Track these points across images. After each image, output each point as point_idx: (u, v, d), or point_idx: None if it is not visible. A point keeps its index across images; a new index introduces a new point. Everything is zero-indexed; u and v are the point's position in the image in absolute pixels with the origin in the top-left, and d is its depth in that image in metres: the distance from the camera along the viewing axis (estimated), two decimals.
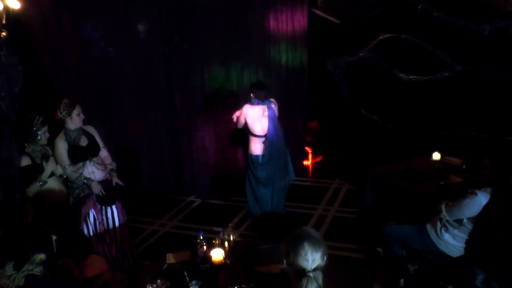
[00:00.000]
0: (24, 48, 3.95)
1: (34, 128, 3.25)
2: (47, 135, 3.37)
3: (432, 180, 3.75)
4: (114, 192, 3.63)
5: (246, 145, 4.49)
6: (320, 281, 1.87)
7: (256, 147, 4.28)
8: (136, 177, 5.48)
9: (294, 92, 5.89)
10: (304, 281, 1.83)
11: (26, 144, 3.28)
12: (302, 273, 1.85)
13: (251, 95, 4.16)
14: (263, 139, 4.23)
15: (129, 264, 3.74)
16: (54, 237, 2.36)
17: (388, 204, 3.95)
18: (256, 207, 4.47)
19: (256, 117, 4.16)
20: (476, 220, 2.86)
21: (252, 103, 4.15)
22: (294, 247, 1.87)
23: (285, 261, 1.95)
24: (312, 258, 1.85)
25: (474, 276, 1.76)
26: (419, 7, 4.49)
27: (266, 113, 4.14)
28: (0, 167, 3.01)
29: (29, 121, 3.24)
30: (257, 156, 4.30)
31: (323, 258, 1.89)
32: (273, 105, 4.18)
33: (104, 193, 3.50)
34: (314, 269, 1.85)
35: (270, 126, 4.15)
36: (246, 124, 4.24)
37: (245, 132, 4.40)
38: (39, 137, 3.30)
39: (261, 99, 4.12)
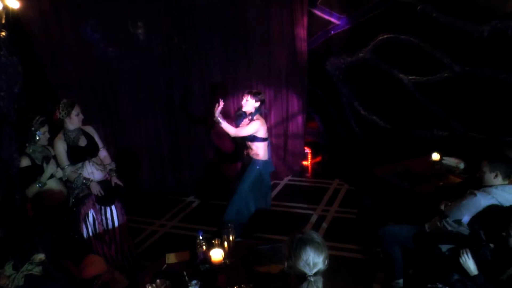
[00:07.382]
0: (23, 48, 3.94)
1: (33, 128, 3.25)
2: (47, 135, 3.37)
3: (431, 181, 3.75)
4: (113, 193, 3.62)
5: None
6: (321, 285, 1.87)
7: (267, 152, 4.22)
8: (136, 177, 5.48)
9: (294, 92, 5.89)
10: (305, 285, 1.83)
11: (27, 145, 3.28)
12: (303, 277, 1.85)
13: (261, 105, 4.13)
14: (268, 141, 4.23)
15: (129, 265, 3.74)
16: (53, 237, 2.37)
17: (387, 204, 3.95)
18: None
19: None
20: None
21: (260, 113, 4.14)
22: (297, 251, 1.86)
23: (286, 263, 1.95)
24: (313, 263, 1.85)
25: (450, 275, 1.80)
26: (418, 8, 4.50)
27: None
28: None
29: (28, 121, 3.24)
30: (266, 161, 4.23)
31: (324, 263, 1.89)
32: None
33: (103, 194, 3.50)
34: (315, 274, 1.85)
35: None
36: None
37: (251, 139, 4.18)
38: (37, 138, 3.30)
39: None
